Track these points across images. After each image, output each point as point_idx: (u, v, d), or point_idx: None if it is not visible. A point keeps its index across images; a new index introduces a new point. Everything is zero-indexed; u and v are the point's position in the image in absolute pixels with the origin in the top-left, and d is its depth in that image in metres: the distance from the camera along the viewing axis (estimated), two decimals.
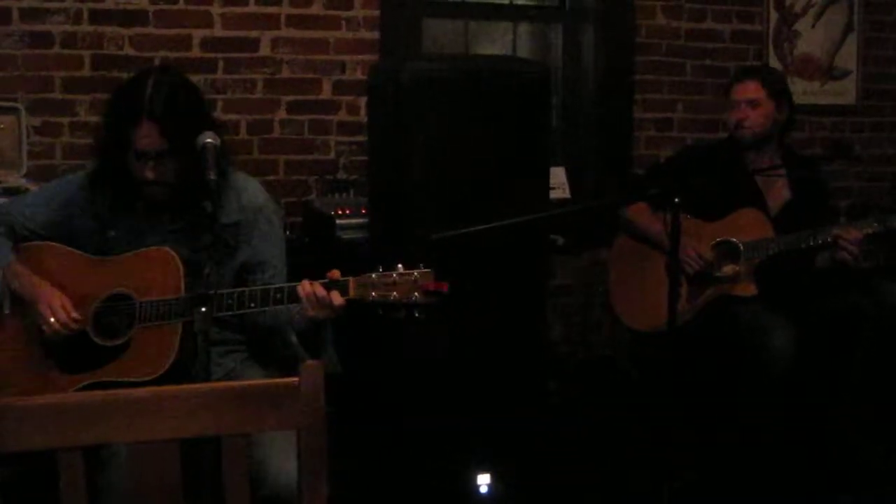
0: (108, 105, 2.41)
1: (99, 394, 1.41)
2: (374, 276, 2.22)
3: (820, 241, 3.25)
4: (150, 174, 2.30)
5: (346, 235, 3.33)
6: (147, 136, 2.28)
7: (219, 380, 2.26)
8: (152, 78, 2.31)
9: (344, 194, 3.68)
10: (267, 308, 2.27)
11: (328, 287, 2.21)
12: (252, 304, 2.26)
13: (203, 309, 2.12)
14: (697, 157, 3.56)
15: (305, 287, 2.22)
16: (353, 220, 3.36)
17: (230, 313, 2.27)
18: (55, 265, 2.39)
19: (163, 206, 2.40)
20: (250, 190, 2.48)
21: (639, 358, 3.73)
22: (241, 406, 1.38)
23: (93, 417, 1.36)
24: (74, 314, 2.30)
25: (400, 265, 2.22)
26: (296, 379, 1.40)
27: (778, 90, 3.43)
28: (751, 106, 3.39)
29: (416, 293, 2.19)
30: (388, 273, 2.22)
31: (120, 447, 1.70)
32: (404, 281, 2.20)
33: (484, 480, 3.02)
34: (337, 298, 2.20)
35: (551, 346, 3.77)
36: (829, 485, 3.22)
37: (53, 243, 2.43)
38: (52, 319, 2.28)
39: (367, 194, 3.42)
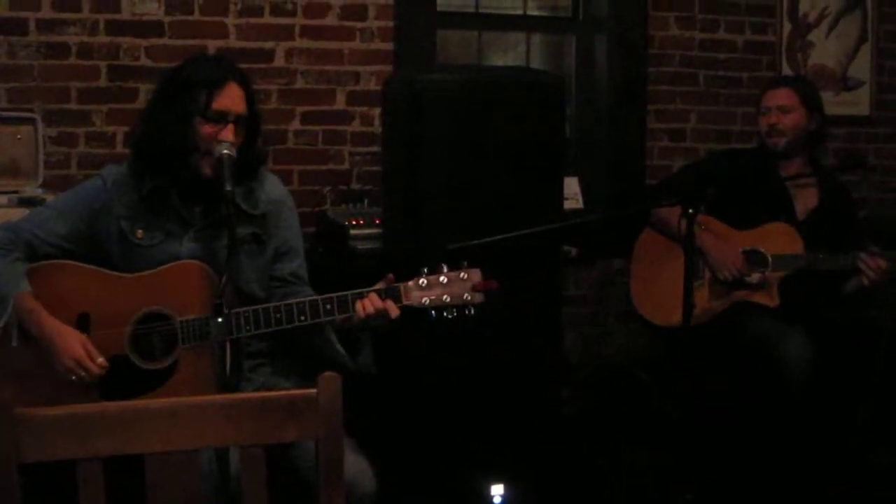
0: (174, 75, 2.39)
1: (118, 404, 1.42)
2: (423, 280, 2.22)
3: (847, 266, 3.24)
4: (229, 135, 2.28)
5: (359, 246, 3.33)
6: (233, 98, 2.31)
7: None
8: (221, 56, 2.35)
9: (358, 204, 3.69)
10: (319, 320, 2.24)
11: (383, 296, 2.21)
12: (302, 318, 2.22)
13: (220, 320, 2.12)
14: (727, 164, 3.56)
15: (366, 307, 2.20)
16: (367, 231, 3.37)
17: (280, 328, 2.22)
18: (77, 286, 2.27)
19: (198, 193, 2.36)
20: (273, 182, 2.53)
21: (653, 367, 3.72)
22: (260, 417, 1.39)
23: (112, 428, 1.36)
24: (100, 359, 2.19)
25: (444, 266, 2.23)
26: (314, 390, 1.41)
27: (810, 100, 3.46)
28: (782, 112, 3.41)
29: (467, 293, 2.22)
30: (436, 275, 2.22)
31: None
32: (455, 281, 2.22)
33: (497, 490, 3.01)
34: (393, 309, 2.21)
35: (564, 356, 3.77)
36: (846, 497, 3.20)
37: (73, 262, 2.31)
38: (83, 373, 2.18)
39: (380, 205, 3.43)
